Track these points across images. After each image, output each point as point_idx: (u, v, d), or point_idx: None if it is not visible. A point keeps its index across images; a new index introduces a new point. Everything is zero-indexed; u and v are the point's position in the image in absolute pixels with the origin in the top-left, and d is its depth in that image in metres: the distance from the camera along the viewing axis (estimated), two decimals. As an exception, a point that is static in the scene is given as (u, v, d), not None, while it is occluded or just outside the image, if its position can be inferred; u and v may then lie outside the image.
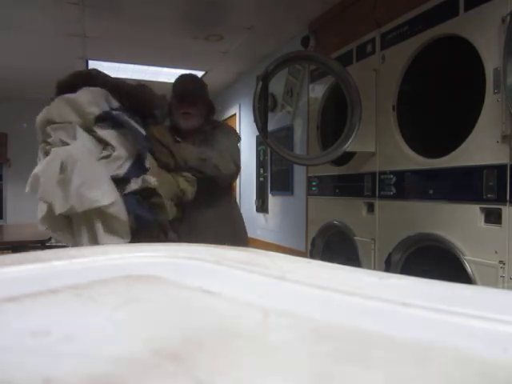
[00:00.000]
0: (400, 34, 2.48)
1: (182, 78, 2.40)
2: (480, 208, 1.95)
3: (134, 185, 1.72)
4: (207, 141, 2.27)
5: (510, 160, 1.82)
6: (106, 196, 1.60)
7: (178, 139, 2.27)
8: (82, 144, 1.67)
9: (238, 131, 2.51)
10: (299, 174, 3.95)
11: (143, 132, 1.84)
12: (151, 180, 1.76)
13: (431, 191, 2.26)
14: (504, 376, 0.28)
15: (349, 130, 2.71)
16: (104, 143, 1.73)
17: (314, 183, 3.44)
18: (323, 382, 0.27)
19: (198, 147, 2.17)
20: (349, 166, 2.93)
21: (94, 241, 1.66)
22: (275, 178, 4.54)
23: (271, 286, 0.48)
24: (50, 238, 3.96)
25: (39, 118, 1.80)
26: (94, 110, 1.73)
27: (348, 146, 2.69)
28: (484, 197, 1.92)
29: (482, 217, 1.95)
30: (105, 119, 1.74)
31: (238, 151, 2.36)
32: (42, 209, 1.69)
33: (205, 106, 2.34)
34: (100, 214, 1.63)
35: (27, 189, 1.61)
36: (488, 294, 0.49)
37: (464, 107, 2.12)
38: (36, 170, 1.63)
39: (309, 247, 3.45)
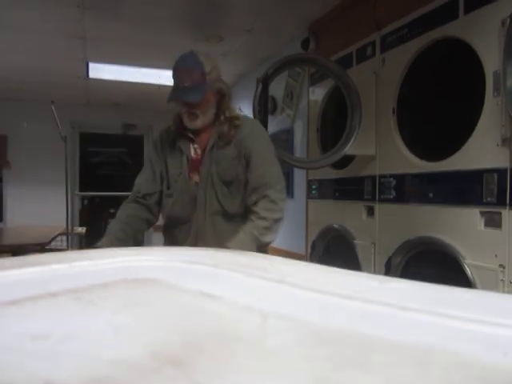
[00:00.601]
0: (400, 36, 2.48)
1: (177, 64, 1.91)
2: (480, 212, 1.95)
3: None
4: (230, 148, 1.86)
5: (510, 163, 1.82)
6: None
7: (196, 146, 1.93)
8: None
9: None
10: (299, 178, 3.94)
11: None
12: None
13: (431, 195, 2.25)
14: (504, 380, 0.28)
15: (349, 133, 2.71)
16: None
17: (313, 186, 3.44)
18: (323, 387, 0.27)
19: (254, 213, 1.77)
20: (349, 169, 2.93)
21: None
22: (275, 180, 4.53)
23: (270, 290, 0.48)
24: (49, 242, 3.96)
25: None
26: None
27: (348, 149, 2.69)
28: (484, 200, 1.92)
29: (482, 220, 1.95)
30: None
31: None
32: None
33: (213, 97, 1.87)
34: None
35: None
36: (488, 297, 0.49)
37: (464, 110, 2.12)
38: None
39: (309, 250, 3.45)
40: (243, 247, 1.58)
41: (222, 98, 1.91)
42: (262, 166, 1.84)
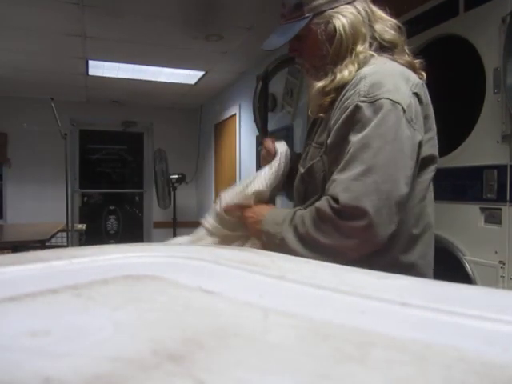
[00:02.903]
0: (400, 33, 2.48)
1: None
2: (480, 208, 1.95)
3: None
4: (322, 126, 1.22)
5: (510, 160, 1.82)
6: None
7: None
8: None
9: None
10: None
11: None
12: None
13: (431, 191, 2.26)
14: (504, 376, 0.28)
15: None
16: None
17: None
18: (323, 382, 0.27)
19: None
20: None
21: None
22: (275, 177, 4.52)
23: (271, 286, 0.48)
24: (50, 238, 3.96)
25: None
26: None
27: (348, 146, 2.68)
28: (484, 197, 1.92)
29: (482, 217, 1.95)
30: None
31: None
32: None
33: (327, 39, 1.17)
34: None
35: None
36: (488, 293, 0.49)
37: (464, 107, 2.12)
38: None
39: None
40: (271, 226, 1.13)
41: (340, 49, 1.17)
42: (348, 165, 1.04)
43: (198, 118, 7.26)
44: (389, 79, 1.09)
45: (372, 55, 1.17)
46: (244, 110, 5.41)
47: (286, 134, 4.20)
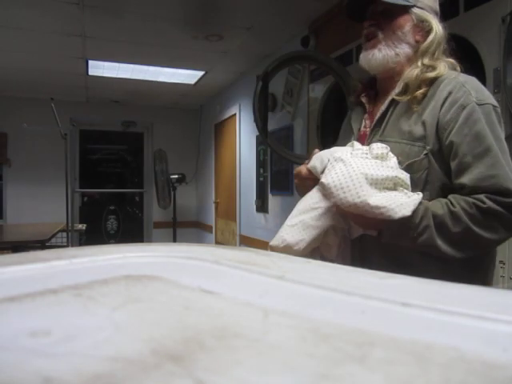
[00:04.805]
0: (400, 33, 2.48)
1: None
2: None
3: None
4: (412, 118, 1.20)
5: (510, 160, 1.82)
6: None
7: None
8: None
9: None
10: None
11: None
12: None
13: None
14: (504, 376, 0.28)
15: (349, 130, 2.70)
16: None
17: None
18: (323, 382, 0.27)
19: None
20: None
21: None
22: (275, 177, 4.54)
23: (271, 286, 0.48)
24: (50, 238, 3.96)
25: None
26: None
27: (348, 146, 2.68)
28: (484, 197, 1.92)
29: (482, 217, 1.95)
30: None
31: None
32: None
33: (411, 28, 1.27)
34: None
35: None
36: (488, 293, 0.48)
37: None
38: None
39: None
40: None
41: (425, 38, 1.25)
42: (481, 160, 1.09)
43: (198, 118, 7.27)
44: (482, 87, 1.25)
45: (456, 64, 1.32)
46: (244, 110, 5.41)
47: (286, 134, 4.21)
